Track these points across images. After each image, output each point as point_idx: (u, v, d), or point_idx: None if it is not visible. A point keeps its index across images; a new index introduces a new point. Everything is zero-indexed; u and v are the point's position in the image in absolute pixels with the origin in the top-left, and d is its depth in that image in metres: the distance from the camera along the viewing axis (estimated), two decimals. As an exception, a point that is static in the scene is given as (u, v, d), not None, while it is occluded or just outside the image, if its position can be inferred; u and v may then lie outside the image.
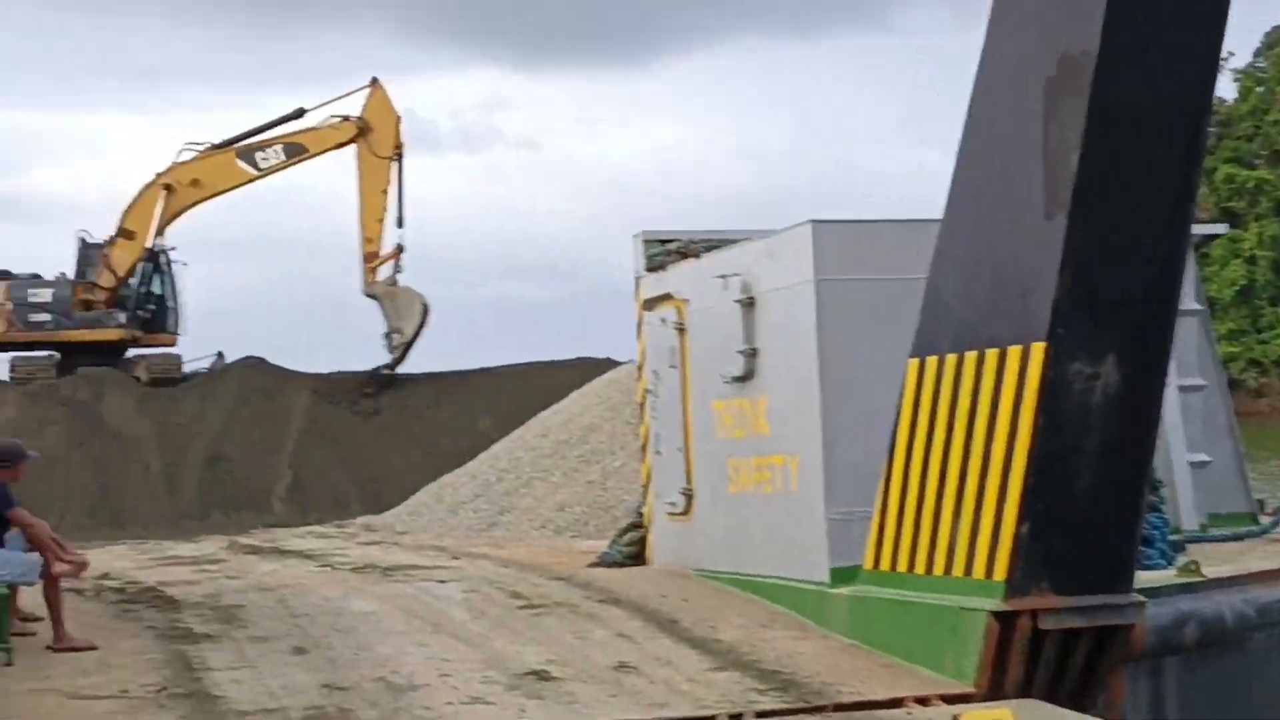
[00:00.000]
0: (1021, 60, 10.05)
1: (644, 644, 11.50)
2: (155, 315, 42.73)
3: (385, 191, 41.23)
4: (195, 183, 41.23)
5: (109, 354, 41.71)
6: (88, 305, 41.78)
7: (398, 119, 41.35)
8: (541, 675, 10.35)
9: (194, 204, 41.63)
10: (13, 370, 41.34)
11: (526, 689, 9.98)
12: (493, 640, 11.63)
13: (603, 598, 13.30)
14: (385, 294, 41.65)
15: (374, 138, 41.15)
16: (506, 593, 13.82)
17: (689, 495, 14.46)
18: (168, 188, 41.06)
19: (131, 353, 42.71)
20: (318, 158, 41.77)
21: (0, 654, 11.01)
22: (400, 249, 41.65)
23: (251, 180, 41.51)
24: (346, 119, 41.32)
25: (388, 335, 41.63)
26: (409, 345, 41.69)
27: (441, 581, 14.87)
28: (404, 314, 41.48)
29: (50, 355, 41.22)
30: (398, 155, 41.23)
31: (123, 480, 37.10)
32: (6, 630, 11.26)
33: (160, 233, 41.69)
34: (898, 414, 11.01)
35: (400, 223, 41.46)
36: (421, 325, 41.44)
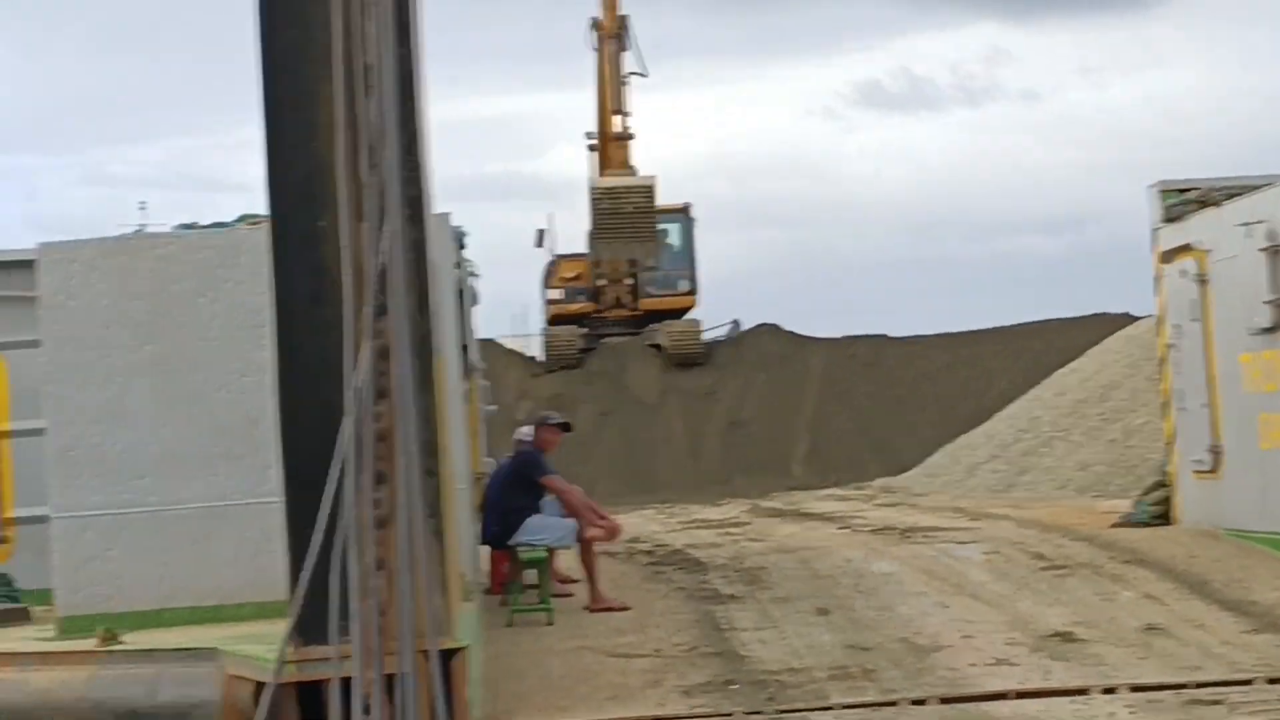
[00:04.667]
0: None
1: (1174, 606, 11.14)
2: (678, 279, 43.65)
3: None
4: None
5: (630, 326, 43.19)
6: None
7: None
8: (1067, 637, 10.18)
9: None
10: (546, 346, 43.43)
11: (1051, 651, 9.84)
12: (1016, 602, 11.52)
13: (1128, 558, 12.96)
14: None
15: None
16: (1028, 554, 13.64)
17: (1217, 452, 13.90)
18: None
19: (651, 325, 43.99)
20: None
21: (542, 614, 11.69)
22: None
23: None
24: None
25: None
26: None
27: (961, 543, 14.81)
28: None
29: (578, 329, 42.93)
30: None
31: (648, 447, 38.55)
32: (547, 591, 11.95)
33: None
34: None
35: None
36: None
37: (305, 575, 6.01)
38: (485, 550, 12.95)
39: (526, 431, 13.15)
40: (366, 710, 5.41)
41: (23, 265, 12.16)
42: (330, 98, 7.23)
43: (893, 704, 8.44)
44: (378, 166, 5.88)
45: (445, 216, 10.39)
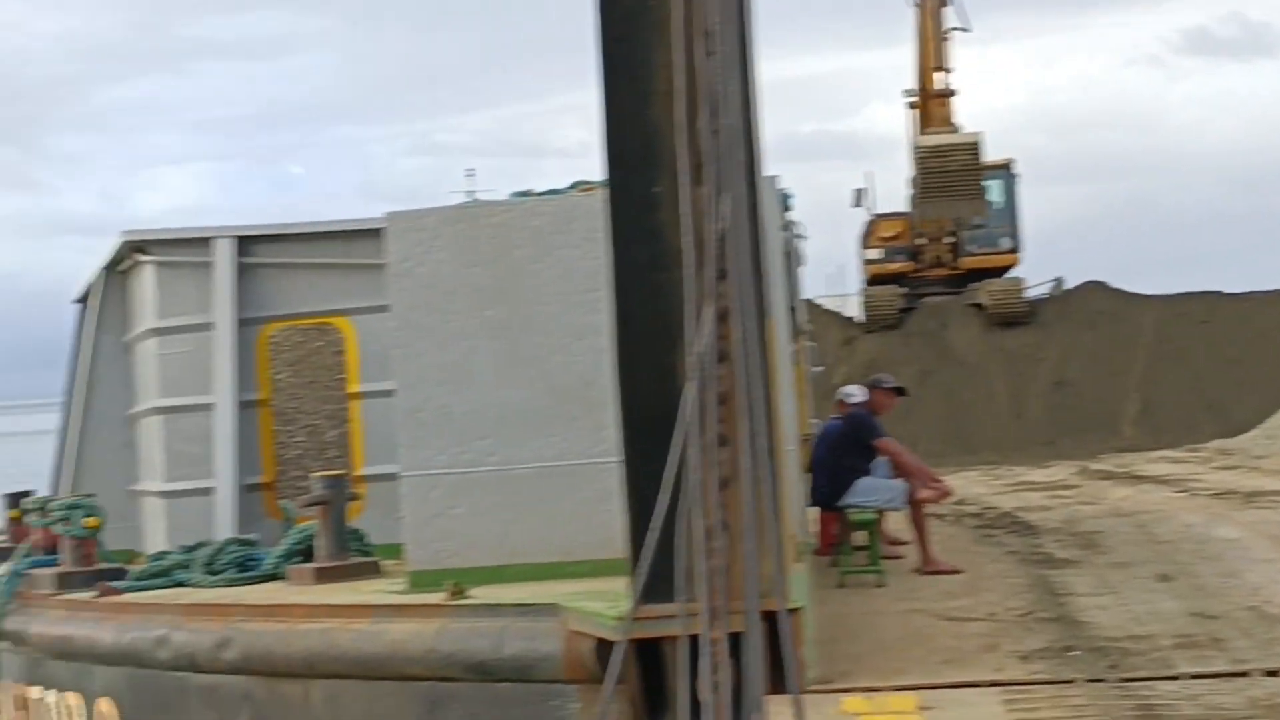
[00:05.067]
0: None
1: None
2: (1000, 236, 42.82)
3: None
4: None
5: (951, 284, 42.58)
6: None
7: None
8: None
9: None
10: (864, 306, 43.17)
11: None
12: (1371, 570, 11.02)
13: None
14: None
15: None
16: (1382, 520, 13.04)
17: None
18: None
19: (972, 283, 43.28)
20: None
21: (873, 575, 11.66)
22: None
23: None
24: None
25: None
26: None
27: (1309, 508, 14.23)
28: None
29: (897, 289, 42.51)
30: None
31: (970, 408, 38.01)
32: (878, 553, 11.91)
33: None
34: None
35: None
36: None
37: (653, 535, 6.13)
38: (813, 512, 12.97)
39: (848, 391, 13.13)
40: (711, 669, 5.49)
41: (366, 234, 12.68)
42: (667, 64, 7.32)
43: (1244, 674, 8.15)
44: (718, 131, 5.93)
45: (773, 179, 10.41)
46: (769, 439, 6.73)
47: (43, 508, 12.00)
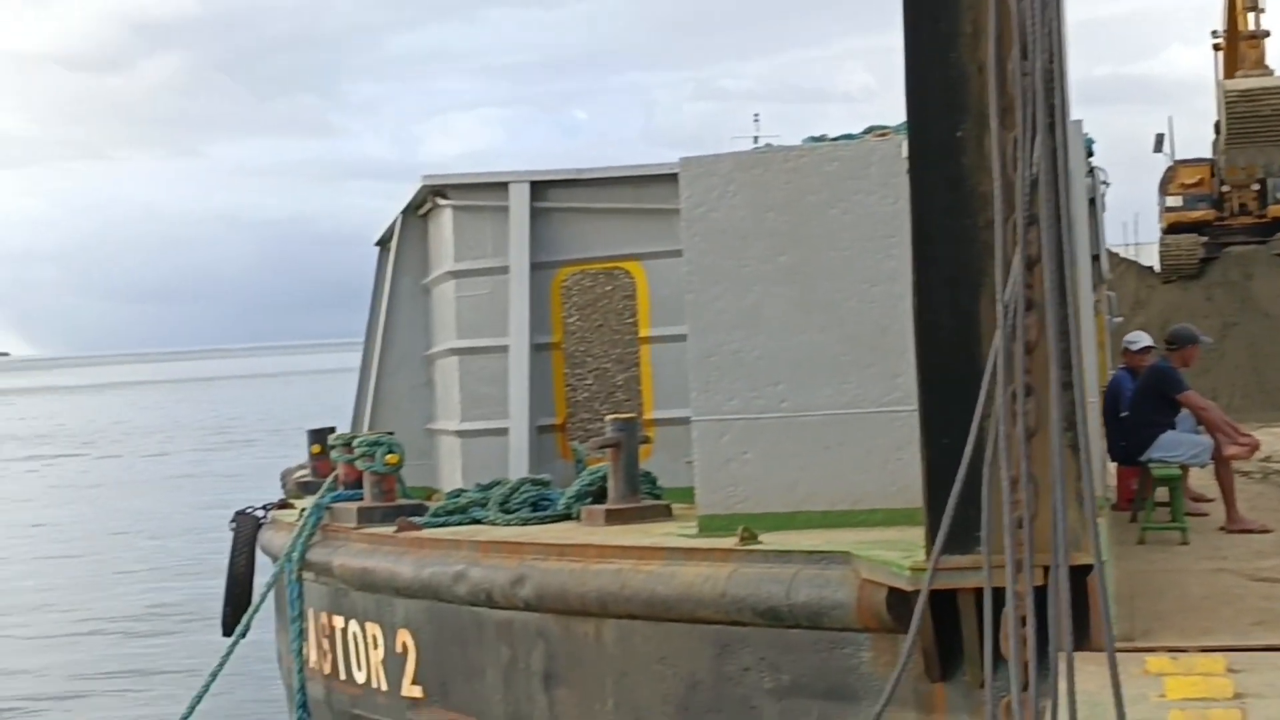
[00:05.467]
0: None
1: None
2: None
3: None
4: None
5: (1257, 233, 40.97)
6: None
7: None
8: None
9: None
10: (1162, 255, 41.85)
11: None
12: None
13: None
14: None
15: None
16: None
17: None
18: None
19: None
20: None
21: (1176, 532, 11.30)
22: None
23: None
24: None
25: None
26: None
27: None
28: None
29: (1198, 238, 41.09)
30: None
31: (1275, 360, 36.52)
32: (1181, 510, 11.54)
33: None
34: None
35: None
36: None
37: (956, 486, 6.02)
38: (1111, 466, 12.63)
39: (1133, 339, 12.77)
40: (1015, 623, 5.37)
41: (657, 179, 12.75)
42: (972, 4, 7.15)
43: None
44: (1030, 74, 5.75)
45: (1078, 124, 10.10)
46: (1073, 390, 6.54)
47: (347, 444, 12.39)
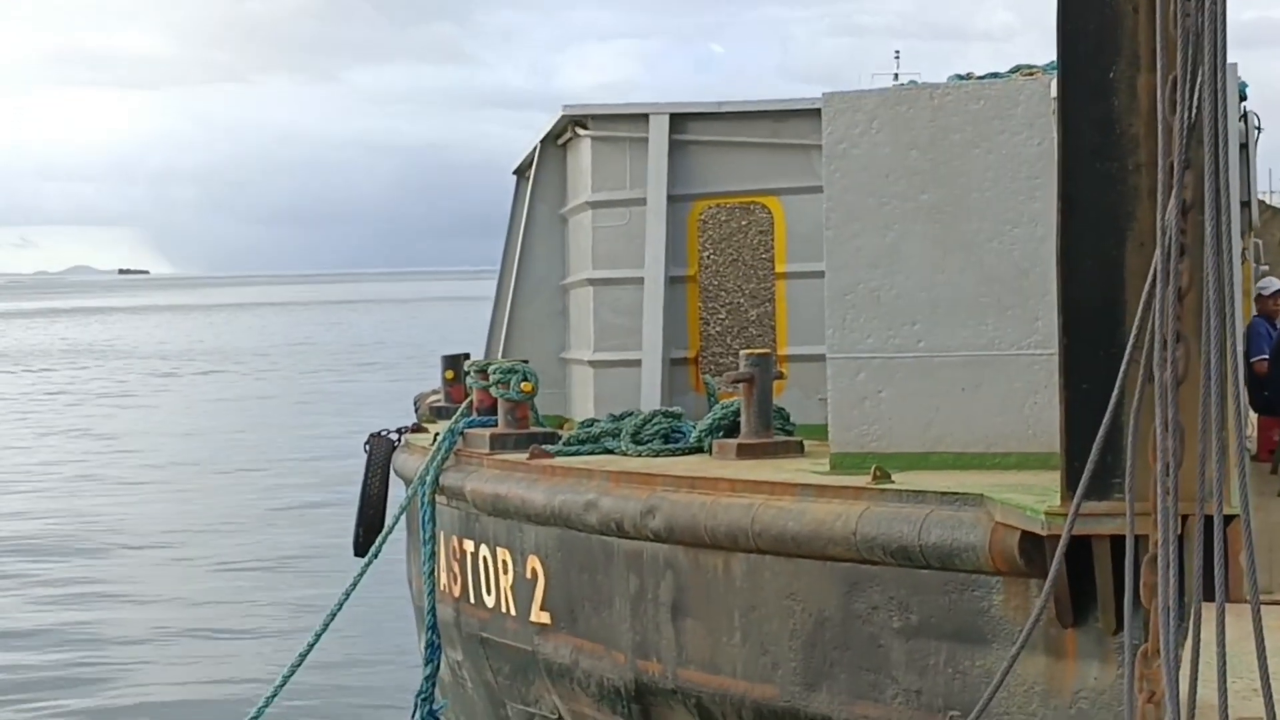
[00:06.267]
0: None
1: None
2: None
3: None
4: None
5: None
6: None
7: None
8: None
9: None
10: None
11: None
12: None
13: None
14: None
15: None
16: None
17: None
18: None
19: None
20: None
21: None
22: None
23: None
24: None
25: None
26: None
27: None
28: None
29: None
30: None
31: None
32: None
33: None
34: None
35: None
36: None
37: (1102, 431, 5.96)
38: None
39: (1265, 284, 12.54)
40: (1156, 572, 5.32)
41: (797, 114, 12.69)
42: (1131, -57, 7.00)
43: None
44: (1191, 15, 5.63)
45: (1233, 67, 9.88)
46: (1224, 338, 6.44)
47: (482, 371, 12.52)
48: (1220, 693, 4.80)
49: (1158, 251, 5.61)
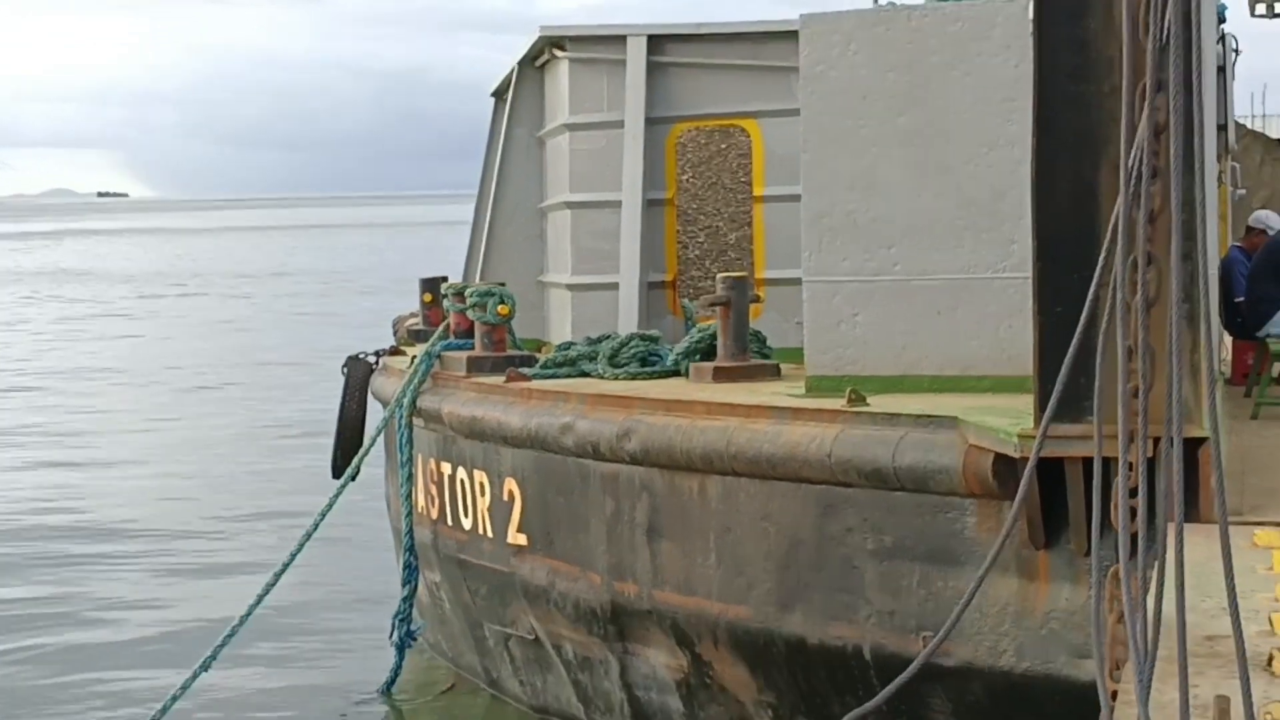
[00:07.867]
0: None
1: None
2: None
3: None
4: None
5: None
6: None
7: None
8: None
9: None
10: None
11: None
12: None
13: None
14: None
15: None
16: None
17: None
18: None
19: None
20: None
21: (1289, 410, 11.17)
22: None
23: None
24: None
25: None
26: None
27: None
28: None
29: None
30: None
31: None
32: (1296, 387, 11.39)
33: None
34: None
35: None
36: None
37: (1070, 353, 5.98)
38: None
39: (1263, 217, 12.52)
40: (1125, 493, 5.35)
41: (777, 36, 12.61)
42: None
43: None
44: (1164, -66, 5.61)
45: (1212, -13, 9.83)
46: (1192, 261, 6.46)
47: (459, 294, 12.50)
48: (1179, 609, 4.85)
49: (1124, 172, 5.60)
